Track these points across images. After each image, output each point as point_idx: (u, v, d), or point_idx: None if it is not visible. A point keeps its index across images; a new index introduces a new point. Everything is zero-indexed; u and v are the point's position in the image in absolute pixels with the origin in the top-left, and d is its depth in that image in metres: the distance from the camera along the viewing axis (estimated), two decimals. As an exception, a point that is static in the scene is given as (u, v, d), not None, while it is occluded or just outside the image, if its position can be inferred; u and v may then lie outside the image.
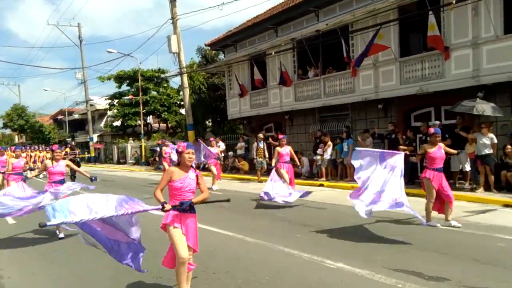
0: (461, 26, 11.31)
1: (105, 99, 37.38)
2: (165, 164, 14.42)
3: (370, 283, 4.41)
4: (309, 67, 16.29)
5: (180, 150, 4.06)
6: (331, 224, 7.47)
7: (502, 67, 10.41)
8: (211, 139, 15.63)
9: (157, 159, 23.81)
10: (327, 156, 14.13)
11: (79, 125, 47.06)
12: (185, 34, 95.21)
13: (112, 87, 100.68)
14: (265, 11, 19.62)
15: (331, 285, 4.43)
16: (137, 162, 30.26)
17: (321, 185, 13.28)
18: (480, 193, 9.70)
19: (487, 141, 9.82)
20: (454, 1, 10.20)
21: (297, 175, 15.41)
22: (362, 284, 4.42)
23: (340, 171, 14.08)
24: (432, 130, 7.30)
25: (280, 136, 10.82)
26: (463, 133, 10.52)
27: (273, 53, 16.09)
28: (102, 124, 41.98)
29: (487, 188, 9.94)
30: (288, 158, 10.41)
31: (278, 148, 10.45)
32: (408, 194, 7.19)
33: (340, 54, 14.36)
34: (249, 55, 18.54)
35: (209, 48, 23.63)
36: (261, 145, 15.33)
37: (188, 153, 4.03)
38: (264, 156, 15.30)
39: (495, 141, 9.89)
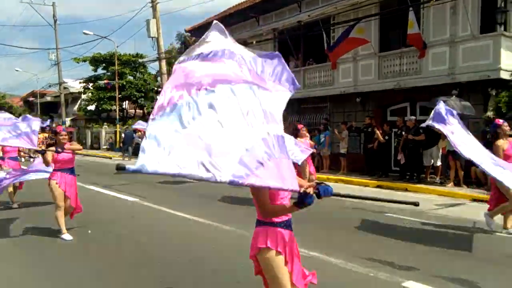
0: (439, 24, 11.54)
1: (80, 82, 36.32)
2: None
3: (343, 272, 4.49)
4: (290, 57, 16.28)
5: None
6: (307, 214, 7.51)
7: (476, 66, 10.70)
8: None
9: (132, 145, 23.45)
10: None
11: (51, 108, 45.55)
12: (164, 19, 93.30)
13: (87, 70, 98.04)
14: (247, -1, 19.41)
15: (306, 273, 4.48)
16: (112, 147, 29.68)
17: (298, 175, 13.39)
18: (450, 187, 10.01)
19: None
20: (434, -1, 10.38)
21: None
22: (335, 272, 4.49)
23: (317, 163, 14.21)
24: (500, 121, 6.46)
25: (300, 126, 9.34)
26: (435, 129, 10.77)
27: (254, 42, 15.99)
28: (75, 108, 40.83)
29: (457, 183, 10.27)
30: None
31: (298, 139, 8.88)
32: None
33: (321, 47, 14.43)
34: (229, 43, 18.35)
35: (189, 34, 23.29)
36: None
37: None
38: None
39: None
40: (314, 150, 12.31)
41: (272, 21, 16.85)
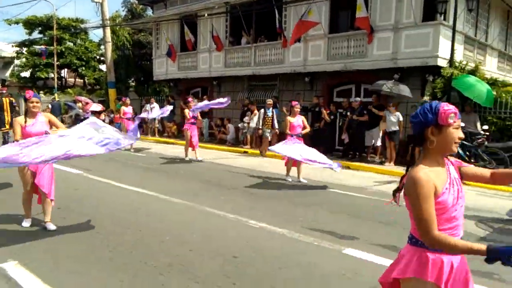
0: (385, 10, 12.01)
1: (12, 46, 33.43)
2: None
3: (290, 241, 4.72)
4: (244, 33, 16.15)
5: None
6: (256, 188, 7.75)
7: (417, 52, 11.35)
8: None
9: (72, 116, 22.25)
10: (253, 124, 14.36)
11: (-22, 73, 41.65)
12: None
13: (21, 34, 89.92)
14: (200, -31, 18.77)
15: (253, 241, 4.66)
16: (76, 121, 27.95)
17: (246, 152, 13.56)
18: (388, 166, 10.70)
19: (394, 119, 10.78)
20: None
21: (223, 141, 15.58)
22: (282, 241, 4.72)
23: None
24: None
25: (294, 103, 8.92)
26: (375, 110, 11.41)
27: (206, 14, 15.67)
28: (7, 74, 37.65)
29: (397, 162, 11.00)
30: (300, 131, 8.66)
31: (289, 118, 8.72)
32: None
33: (273, 24, 14.45)
34: (179, 15, 17.81)
35: (137, 1, 22.19)
36: (270, 113, 12.66)
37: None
38: (273, 126, 12.75)
39: (401, 119, 10.87)
40: (276, 131, 12.76)
41: (224, -6, 16.52)
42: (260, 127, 12.71)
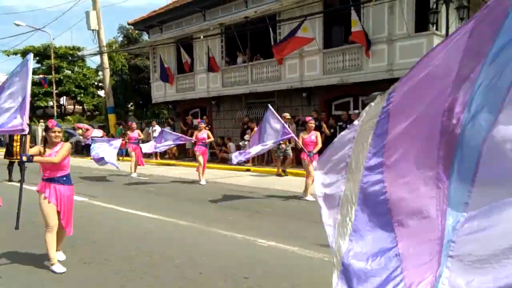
0: (378, 23, 12.23)
1: (11, 77, 33.76)
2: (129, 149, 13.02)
3: (300, 258, 4.70)
4: (239, 52, 16.37)
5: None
6: (261, 206, 7.74)
7: (412, 62, 11.25)
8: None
9: (72, 143, 22.29)
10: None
11: (-23, 105, 41.90)
12: (105, 11, 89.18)
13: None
14: (193, -7, 19.13)
15: (265, 261, 4.64)
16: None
17: (248, 170, 13.57)
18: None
19: None
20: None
21: (225, 160, 15.61)
22: (293, 258, 4.70)
23: (266, 157, 14.50)
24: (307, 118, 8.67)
25: (308, 119, 8.76)
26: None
27: (201, 37, 15.90)
28: (6, 104, 37.87)
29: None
30: (312, 148, 8.22)
31: (302, 134, 8.48)
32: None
33: (268, 42, 14.68)
34: (175, 38, 18.09)
35: (132, 27, 22.53)
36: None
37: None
38: (289, 141, 12.03)
39: None
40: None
41: (218, 16, 16.81)
42: (278, 146, 11.77)
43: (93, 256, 4.89)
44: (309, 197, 8.22)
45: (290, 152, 12.09)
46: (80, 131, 20.69)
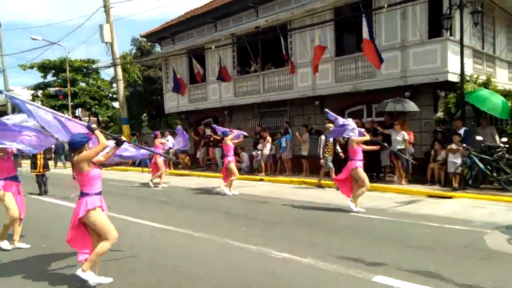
0: (390, 29, 12.11)
1: (28, 89, 34.52)
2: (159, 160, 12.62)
3: (316, 271, 4.59)
4: (252, 61, 16.40)
5: None
6: (275, 217, 7.65)
7: (426, 69, 11.34)
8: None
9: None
10: (266, 151, 14.37)
11: (-4, 118, 42.89)
12: (118, 24, 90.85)
13: (34, 78, 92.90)
14: (205, 4, 19.37)
15: (280, 274, 4.54)
16: (67, 157, 28.40)
17: (261, 179, 13.49)
18: (405, 185, 10.48)
19: (399, 138, 10.68)
20: (386, 5, 10.89)
21: (237, 170, 15.54)
22: (308, 271, 4.58)
23: (279, 166, 14.41)
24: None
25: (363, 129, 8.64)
26: (380, 128, 11.35)
27: (213, 47, 15.98)
28: (23, 117, 38.68)
29: (412, 181, 10.80)
30: (361, 157, 8.03)
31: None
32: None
33: (279, 51, 14.66)
34: (187, 49, 18.25)
35: (145, 39, 22.83)
36: (331, 138, 11.29)
37: None
38: (335, 153, 11.56)
39: (407, 137, 10.74)
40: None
41: (229, 26, 16.92)
42: (322, 156, 11.49)
43: (108, 267, 4.86)
44: (359, 209, 7.75)
45: (331, 164, 11.28)
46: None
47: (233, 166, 10.55)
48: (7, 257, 5.51)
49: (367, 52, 11.62)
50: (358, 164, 7.77)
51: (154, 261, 5.10)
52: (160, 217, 7.81)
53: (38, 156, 11.13)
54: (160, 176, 12.68)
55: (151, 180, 12.71)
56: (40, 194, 11.27)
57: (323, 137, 11.64)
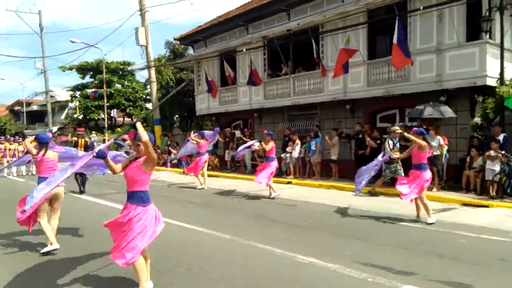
0: (426, 32, 11.76)
1: (67, 90, 36.00)
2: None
3: (342, 278, 4.51)
4: (283, 64, 16.39)
5: None
6: (301, 220, 7.59)
7: (463, 73, 10.94)
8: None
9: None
10: (295, 154, 14.29)
11: (37, 117, 45.01)
12: (152, 27, 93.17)
13: (73, 79, 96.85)
14: (237, 7, 19.54)
15: (305, 279, 4.49)
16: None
17: (289, 182, 13.42)
18: (437, 192, 10.13)
19: (434, 143, 10.31)
20: (421, 8, 10.60)
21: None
22: (334, 278, 4.52)
23: (308, 169, 14.29)
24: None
25: (414, 129, 8.05)
26: (406, 135, 10.97)
27: (244, 49, 16.06)
28: (62, 117, 40.38)
29: (446, 188, 10.43)
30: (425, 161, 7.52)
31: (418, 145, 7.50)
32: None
33: (310, 54, 14.56)
34: (219, 51, 18.45)
35: (178, 42, 23.26)
36: (397, 143, 10.02)
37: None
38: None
39: (442, 142, 10.37)
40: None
41: (261, 29, 16.98)
42: (389, 163, 10.20)
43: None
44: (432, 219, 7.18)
45: (401, 171, 9.91)
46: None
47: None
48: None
49: (395, 58, 11.34)
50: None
51: (179, 260, 5.16)
52: (183, 216, 7.90)
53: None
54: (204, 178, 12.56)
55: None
56: (81, 193, 11.31)
57: (390, 141, 9.95)
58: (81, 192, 11.41)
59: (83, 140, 12.10)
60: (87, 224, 7.26)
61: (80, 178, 11.47)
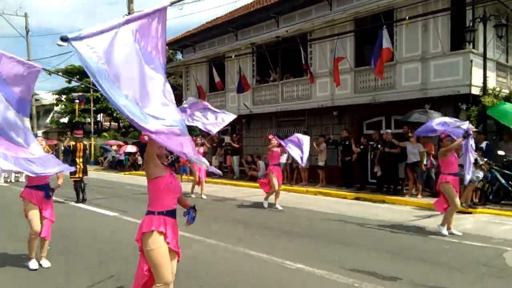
0: (411, 41, 12.02)
1: (52, 94, 35.53)
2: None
3: (329, 283, 4.55)
4: (271, 71, 16.49)
5: None
6: (289, 226, 7.62)
7: (447, 81, 11.18)
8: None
9: (108, 158, 22.90)
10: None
11: (21, 121, 44.19)
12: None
13: (59, 83, 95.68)
14: (226, 13, 19.63)
15: (292, 285, 4.52)
16: (86, 161, 29.05)
17: (277, 188, 13.44)
18: (420, 198, 10.30)
19: (414, 150, 10.50)
20: (407, 17, 10.83)
21: (254, 178, 15.58)
22: (321, 284, 4.55)
23: (296, 175, 14.37)
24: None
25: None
26: (394, 141, 11.19)
27: (233, 56, 16.14)
28: (47, 120, 39.79)
29: (430, 194, 10.60)
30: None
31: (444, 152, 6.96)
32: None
33: (299, 61, 14.70)
34: (208, 57, 18.49)
35: (167, 47, 23.24)
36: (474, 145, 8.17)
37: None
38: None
39: (422, 149, 10.57)
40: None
41: (250, 36, 17.09)
42: (475, 169, 8.80)
43: (122, 272, 4.93)
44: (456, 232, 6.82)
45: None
46: (114, 147, 21.34)
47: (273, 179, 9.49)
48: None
49: (384, 53, 11.51)
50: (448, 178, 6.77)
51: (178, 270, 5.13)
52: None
53: (77, 161, 10.33)
54: (197, 185, 11.75)
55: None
56: (78, 202, 10.55)
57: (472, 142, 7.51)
58: (83, 200, 10.66)
59: (81, 144, 10.77)
60: (77, 236, 7.16)
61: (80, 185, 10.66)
